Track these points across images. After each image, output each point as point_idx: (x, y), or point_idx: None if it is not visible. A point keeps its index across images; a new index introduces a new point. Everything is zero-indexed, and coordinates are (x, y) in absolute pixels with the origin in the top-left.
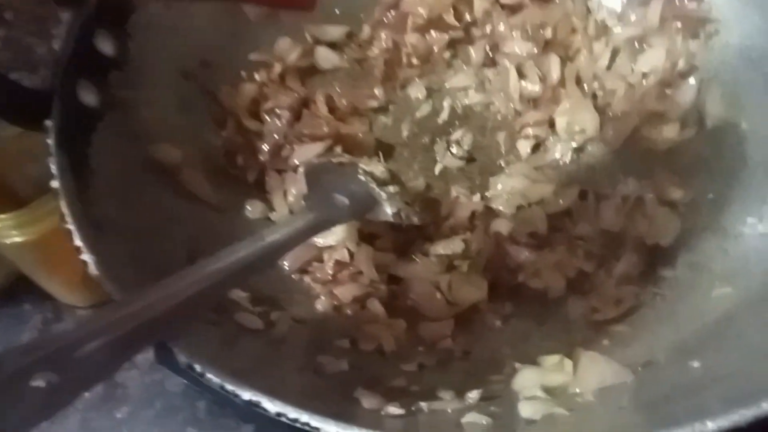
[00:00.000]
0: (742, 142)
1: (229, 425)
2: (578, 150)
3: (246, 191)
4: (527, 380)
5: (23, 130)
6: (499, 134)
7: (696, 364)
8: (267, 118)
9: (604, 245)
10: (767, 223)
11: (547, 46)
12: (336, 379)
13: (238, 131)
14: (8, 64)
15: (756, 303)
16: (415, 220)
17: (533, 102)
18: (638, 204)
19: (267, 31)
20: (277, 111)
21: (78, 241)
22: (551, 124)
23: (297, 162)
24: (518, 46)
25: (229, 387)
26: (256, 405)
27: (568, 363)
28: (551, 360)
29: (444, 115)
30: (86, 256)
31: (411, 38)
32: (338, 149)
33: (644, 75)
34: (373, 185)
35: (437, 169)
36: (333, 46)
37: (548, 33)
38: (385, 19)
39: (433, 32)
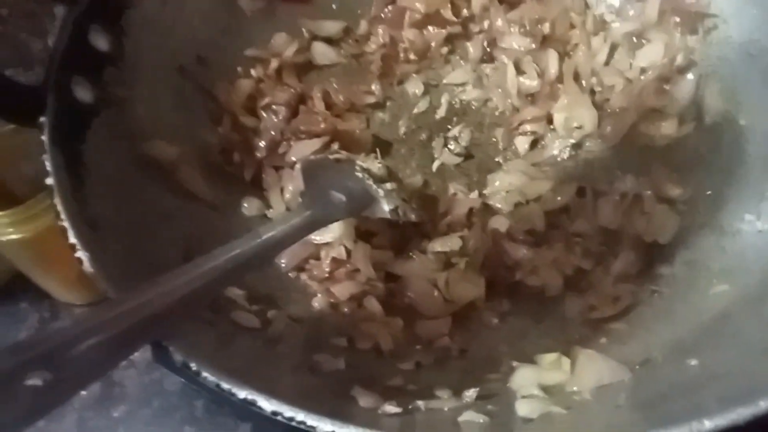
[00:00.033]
0: (739, 138)
1: (227, 424)
2: (576, 146)
3: (242, 188)
4: (524, 379)
5: (18, 126)
6: (496, 130)
7: (693, 362)
8: (263, 114)
9: (601, 243)
10: (765, 220)
11: (545, 41)
12: (332, 378)
13: (235, 128)
14: (3, 61)
15: (753, 300)
16: (413, 217)
17: (531, 98)
18: (636, 201)
19: (263, 26)
20: (274, 107)
21: (73, 239)
22: (549, 120)
23: (294, 159)
24: (516, 42)
25: (225, 386)
26: (252, 404)
27: (565, 361)
28: (548, 358)
29: (441, 111)
30: (81, 254)
31: (408, 34)
32: (335, 146)
33: (642, 70)
34: (370, 182)
35: (435, 166)
36: (330, 41)
37: (546, 28)
38: (382, 14)
39: (430, 28)
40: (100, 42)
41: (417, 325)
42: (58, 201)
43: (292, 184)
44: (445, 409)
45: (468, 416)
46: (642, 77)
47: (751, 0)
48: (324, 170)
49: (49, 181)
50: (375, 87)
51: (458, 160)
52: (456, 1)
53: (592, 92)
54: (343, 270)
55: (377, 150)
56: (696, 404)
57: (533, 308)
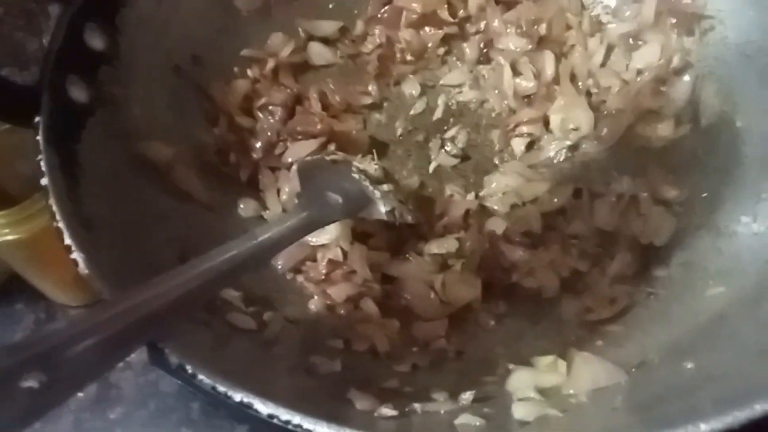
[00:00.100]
0: (736, 139)
1: (223, 426)
2: (572, 148)
3: (238, 189)
4: (521, 381)
5: (13, 126)
6: (493, 132)
7: (689, 364)
8: (260, 114)
9: (598, 244)
10: (761, 222)
11: (541, 42)
12: (329, 380)
13: (231, 128)
14: None
15: (749, 302)
16: (409, 218)
17: (527, 99)
18: (632, 203)
19: (259, 26)
20: (270, 108)
21: (68, 240)
22: (545, 122)
23: (290, 160)
24: (513, 42)
25: (221, 389)
26: (248, 407)
27: (561, 364)
28: (545, 361)
29: (438, 113)
30: (76, 255)
31: (405, 34)
32: (332, 147)
33: (639, 72)
34: (367, 183)
35: (431, 168)
36: (326, 41)
37: (543, 29)
38: (378, 14)
39: (427, 28)
40: (96, 41)
41: (413, 327)
42: (53, 201)
43: (289, 185)
44: (442, 411)
45: (464, 419)
46: (638, 78)
47: (748, 1)
48: (320, 171)
49: (44, 181)
50: (372, 88)
51: (455, 161)
52: (453, 1)
53: (589, 94)
54: (339, 271)
55: (374, 151)
56: (692, 407)
57: (530, 310)
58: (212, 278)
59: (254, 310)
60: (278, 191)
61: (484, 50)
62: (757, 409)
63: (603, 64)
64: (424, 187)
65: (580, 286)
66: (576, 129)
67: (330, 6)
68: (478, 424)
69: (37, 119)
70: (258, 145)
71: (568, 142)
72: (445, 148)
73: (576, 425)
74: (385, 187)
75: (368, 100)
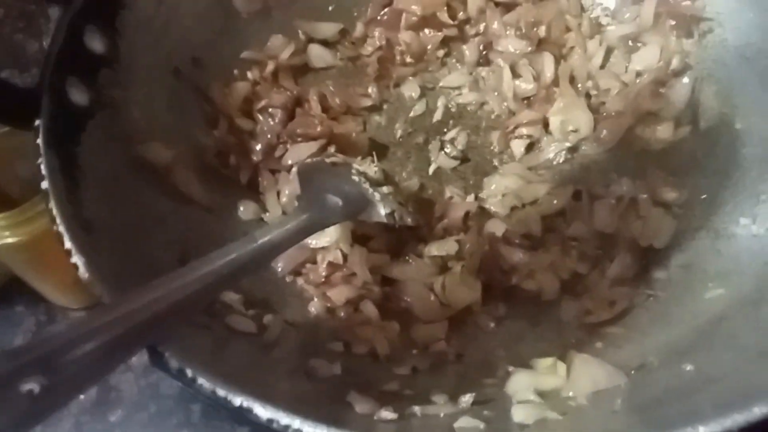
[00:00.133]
0: (735, 141)
1: (224, 428)
2: (572, 150)
3: (238, 192)
4: (520, 384)
5: (13, 128)
6: (493, 134)
7: (689, 366)
8: (260, 117)
9: (597, 246)
10: (760, 224)
11: (540, 44)
12: (329, 383)
13: (231, 131)
14: None
15: (748, 304)
16: (409, 220)
17: (527, 101)
18: (632, 205)
19: (259, 28)
20: (270, 110)
21: (68, 244)
22: (545, 124)
23: (290, 162)
24: (512, 44)
25: (221, 393)
26: (248, 411)
27: (561, 366)
28: (544, 363)
29: (438, 115)
30: (76, 259)
31: (405, 36)
32: (332, 149)
33: (638, 74)
34: (367, 185)
35: (431, 170)
36: (326, 43)
37: (542, 31)
38: (378, 16)
39: (426, 30)
40: (95, 43)
41: (413, 330)
42: (53, 204)
43: (289, 188)
44: (441, 414)
45: (464, 422)
46: (638, 80)
47: (747, 3)
48: (320, 174)
49: (45, 184)
50: (371, 90)
51: (455, 163)
52: (452, 3)
53: (588, 95)
54: (339, 274)
55: (373, 153)
56: (691, 409)
57: (529, 312)
58: (212, 281)
59: (254, 312)
60: (278, 193)
61: (484, 52)
62: (756, 412)
63: (602, 66)
64: (424, 189)
65: (580, 288)
66: (575, 131)
67: (330, 8)
68: (478, 427)
69: (37, 122)
70: (258, 147)
71: (568, 144)
72: (445, 150)
73: (575, 428)
74: (385, 189)
75: (368, 102)
